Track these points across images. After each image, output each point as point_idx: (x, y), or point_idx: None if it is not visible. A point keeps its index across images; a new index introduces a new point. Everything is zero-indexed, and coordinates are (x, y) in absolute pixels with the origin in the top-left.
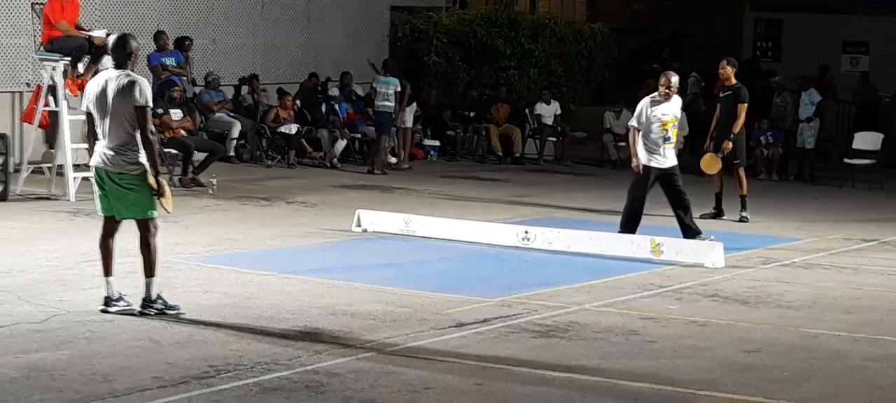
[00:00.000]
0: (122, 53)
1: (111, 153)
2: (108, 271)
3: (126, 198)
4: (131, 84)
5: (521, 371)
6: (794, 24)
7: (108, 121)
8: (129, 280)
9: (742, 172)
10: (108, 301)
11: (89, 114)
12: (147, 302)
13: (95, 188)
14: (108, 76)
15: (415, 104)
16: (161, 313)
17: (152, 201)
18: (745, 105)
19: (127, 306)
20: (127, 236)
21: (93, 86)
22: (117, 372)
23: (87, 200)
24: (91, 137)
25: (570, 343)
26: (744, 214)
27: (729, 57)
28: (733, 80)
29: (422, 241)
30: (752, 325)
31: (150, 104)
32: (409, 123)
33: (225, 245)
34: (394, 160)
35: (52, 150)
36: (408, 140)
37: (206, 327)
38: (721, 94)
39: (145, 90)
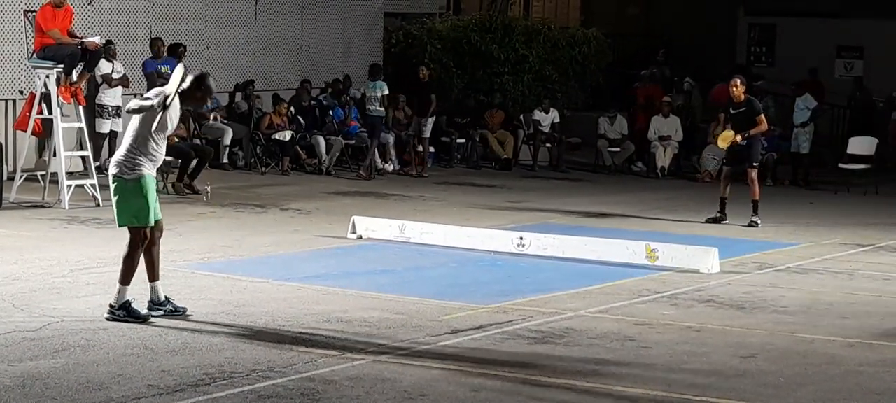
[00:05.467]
0: (190, 91)
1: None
2: (153, 276)
3: None
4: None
5: (516, 378)
6: (787, 29)
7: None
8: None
9: (755, 175)
10: (153, 305)
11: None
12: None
13: (154, 195)
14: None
15: (435, 116)
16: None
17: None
18: (763, 115)
19: (173, 310)
20: (119, 243)
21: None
22: (112, 380)
23: (80, 208)
24: None
25: (566, 349)
26: (754, 219)
27: (739, 75)
28: (743, 96)
29: (417, 248)
30: (748, 331)
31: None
32: (428, 134)
33: (220, 252)
34: (389, 167)
35: (44, 158)
36: (425, 149)
37: (201, 334)
38: (732, 111)
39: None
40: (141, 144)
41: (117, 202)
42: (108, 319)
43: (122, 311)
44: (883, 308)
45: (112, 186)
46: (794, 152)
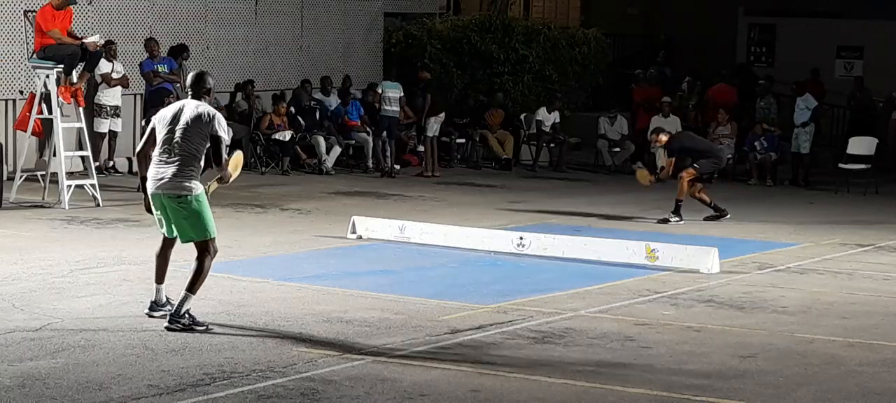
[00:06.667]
0: (199, 89)
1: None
2: (160, 279)
3: None
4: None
5: (516, 378)
6: (787, 29)
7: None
8: (123, 288)
9: (686, 176)
10: (155, 306)
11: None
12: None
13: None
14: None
15: (443, 114)
16: (188, 329)
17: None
18: (672, 159)
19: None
20: (119, 243)
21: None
22: (112, 380)
23: (80, 208)
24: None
25: (566, 349)
26: (672, 216)
27: (661, 129)
28: (663, 144)
29: (417, 248)
30: (748, 331)
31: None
32: (435, 132)
33: (219, 252)
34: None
35: (44, 158)
36: (435, 148)
37: (202, 334)
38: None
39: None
40: (199, 161)
41: (199, 216)
42: (168, 329)
43: (187, 319)
44: (883, 308)
45: (188, 203)
46: (795, 152)
